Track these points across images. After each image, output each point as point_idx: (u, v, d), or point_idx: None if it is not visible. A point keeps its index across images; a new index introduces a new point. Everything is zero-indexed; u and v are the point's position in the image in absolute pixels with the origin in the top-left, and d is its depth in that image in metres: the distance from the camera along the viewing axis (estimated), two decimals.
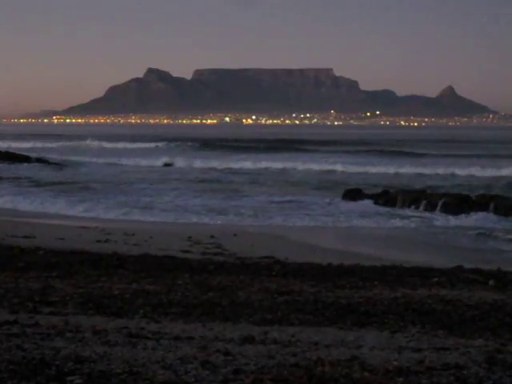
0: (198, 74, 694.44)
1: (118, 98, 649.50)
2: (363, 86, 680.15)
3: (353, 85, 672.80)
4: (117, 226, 20.61)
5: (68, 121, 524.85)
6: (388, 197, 29.59)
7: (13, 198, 29.71)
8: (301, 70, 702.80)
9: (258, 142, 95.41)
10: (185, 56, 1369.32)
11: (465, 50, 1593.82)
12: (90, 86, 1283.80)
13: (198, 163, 54.06)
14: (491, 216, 25.91)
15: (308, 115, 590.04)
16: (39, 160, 53.40)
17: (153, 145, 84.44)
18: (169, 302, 9.16)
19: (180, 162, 55.07)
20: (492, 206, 26.96)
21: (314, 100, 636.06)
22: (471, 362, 6.09)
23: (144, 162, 55.32)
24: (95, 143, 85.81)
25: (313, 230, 22.57)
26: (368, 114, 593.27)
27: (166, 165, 54.06)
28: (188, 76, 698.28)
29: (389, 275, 12.25)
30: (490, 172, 45.90)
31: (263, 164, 53.11)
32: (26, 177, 41.09)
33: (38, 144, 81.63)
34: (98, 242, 17.21)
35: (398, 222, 24.12)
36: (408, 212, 27.14)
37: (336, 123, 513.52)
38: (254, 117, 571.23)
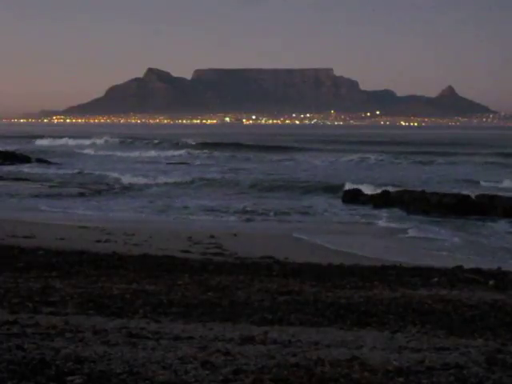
0: (198, 74, 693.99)
1: (117, 98, 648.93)
2: (363, 86, 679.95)
3: (353, 85, 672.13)
4: (117, 226, 20.61)
5: (68, 121, 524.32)
6: (387, 198, 29.54)
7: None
8: (301, 70, 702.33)
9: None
10: (185, 56, 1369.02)
11: (465, 50, 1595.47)
12: (90, 85, 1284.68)
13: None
14: (491, 216, 25.90)
15: (308, 115, 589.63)
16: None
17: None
18: (169, 302, 9.15)
19: None
20: (492, 206, 26.97)
21: (313, 100, 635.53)
22: (471, 362, 6.10)
23: None
24: None
25: (312, 230, 22.55)
26: (368, 114, 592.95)
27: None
28: (188, 76, 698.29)
29: (389, 275, 12.25)
30: None
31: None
32: None
33: None
34: (98, 242, 17.21)
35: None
36: (408, 216, 26.87)
37: (336, 123, 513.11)
38: (254, 117, 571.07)
